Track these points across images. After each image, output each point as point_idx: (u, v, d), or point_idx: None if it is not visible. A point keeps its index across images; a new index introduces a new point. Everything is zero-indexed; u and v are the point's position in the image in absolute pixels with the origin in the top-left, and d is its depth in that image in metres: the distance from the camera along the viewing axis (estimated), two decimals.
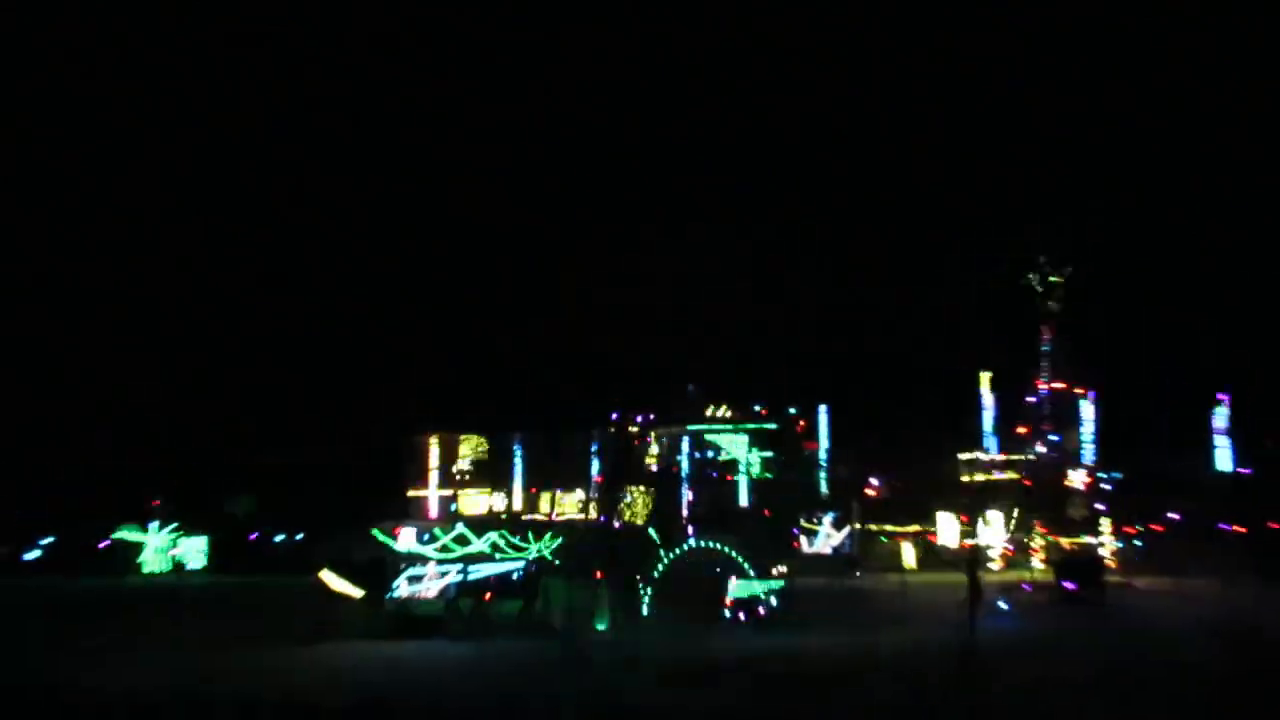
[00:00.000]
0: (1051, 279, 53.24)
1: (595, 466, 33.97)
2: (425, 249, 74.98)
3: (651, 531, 31.82)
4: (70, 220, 70.80)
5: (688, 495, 32.26)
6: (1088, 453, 52.83)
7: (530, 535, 33.45)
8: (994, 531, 51.41)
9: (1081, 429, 53.27)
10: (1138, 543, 48.52)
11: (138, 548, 53.65)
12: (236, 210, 73.99)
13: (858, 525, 46.11)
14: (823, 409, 59.98)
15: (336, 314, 68.26)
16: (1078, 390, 53.28)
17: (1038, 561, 47.82)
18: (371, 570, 29.26)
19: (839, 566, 36.24)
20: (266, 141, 77.51)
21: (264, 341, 66.11)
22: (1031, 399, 53.79)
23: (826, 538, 46.57)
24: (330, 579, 29.72)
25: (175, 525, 54.82)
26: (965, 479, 54.45)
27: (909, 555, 51.62)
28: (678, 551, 30.73)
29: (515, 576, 29.25)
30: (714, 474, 32.31)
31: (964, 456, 56.10)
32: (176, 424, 61.02)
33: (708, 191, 78.71)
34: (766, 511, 31.75)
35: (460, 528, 32.79)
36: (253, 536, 52.43)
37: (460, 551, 32.87)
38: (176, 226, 73.97)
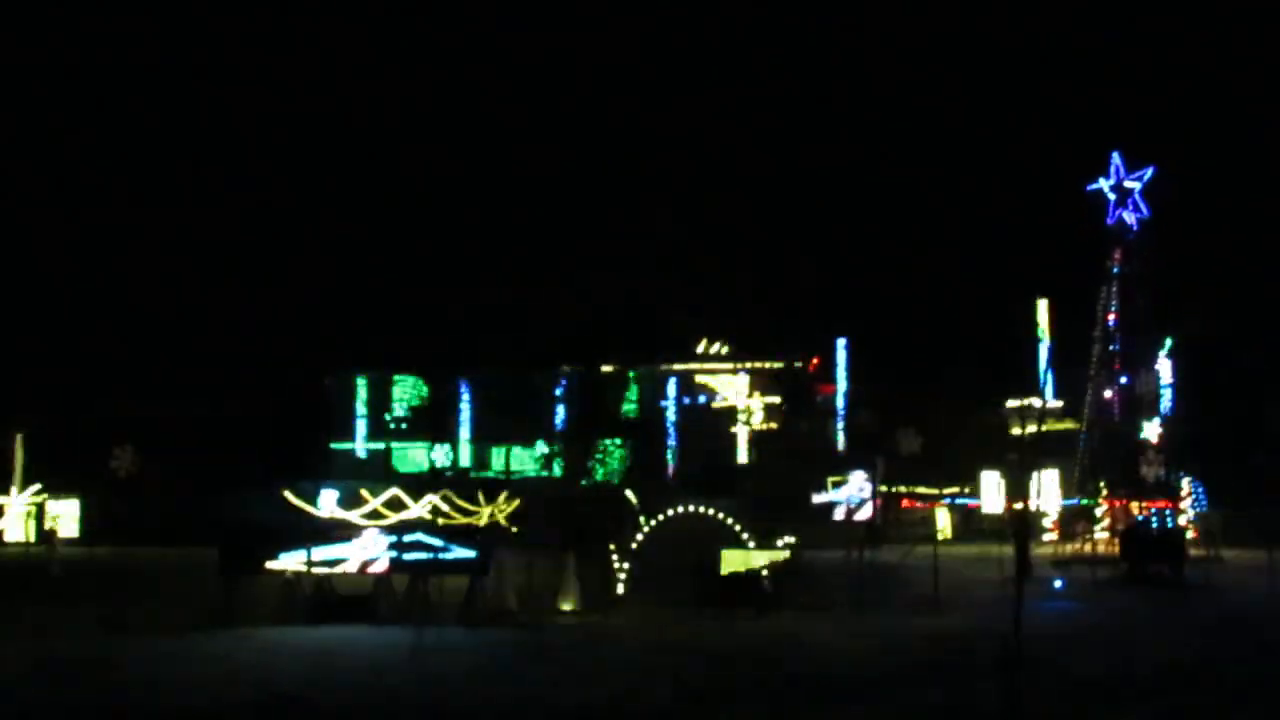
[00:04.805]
0: (1127, 184, 52.84)
1: (560, 415, 33.67)
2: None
3: (629, 493, 31.70)
4: None
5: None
6: (1165, 399, 52.91)
7: (480, 497, 33.34)
8: (1048, 494, 51.71)
9: (1158, 370, 53.28)
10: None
11: None
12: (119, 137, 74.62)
13: (882, 488, 46.29)
14: (841, 344, 59.92)
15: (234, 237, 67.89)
16: (1155, 324, 53.17)
17: (1102, 531, 48.12)
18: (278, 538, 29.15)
19: (859, 537, 36.36)
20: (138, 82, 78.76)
21: (146, 269, 65.73)
22: (1098, 333, 53.71)
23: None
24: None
25: (39, 487, 54.65)
26: (1015, 430, 54.64)
27: (943, 522, 52.01)
28: (660, 518, 30.65)
29: (461, 547, 29.17)
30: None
31: (1014, 404, 56.32)
32: (42, 363, 60.38)
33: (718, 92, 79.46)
34: None
35: (394, 489, 32.63)
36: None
37: (395, 518, 32.86)
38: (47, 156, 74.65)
